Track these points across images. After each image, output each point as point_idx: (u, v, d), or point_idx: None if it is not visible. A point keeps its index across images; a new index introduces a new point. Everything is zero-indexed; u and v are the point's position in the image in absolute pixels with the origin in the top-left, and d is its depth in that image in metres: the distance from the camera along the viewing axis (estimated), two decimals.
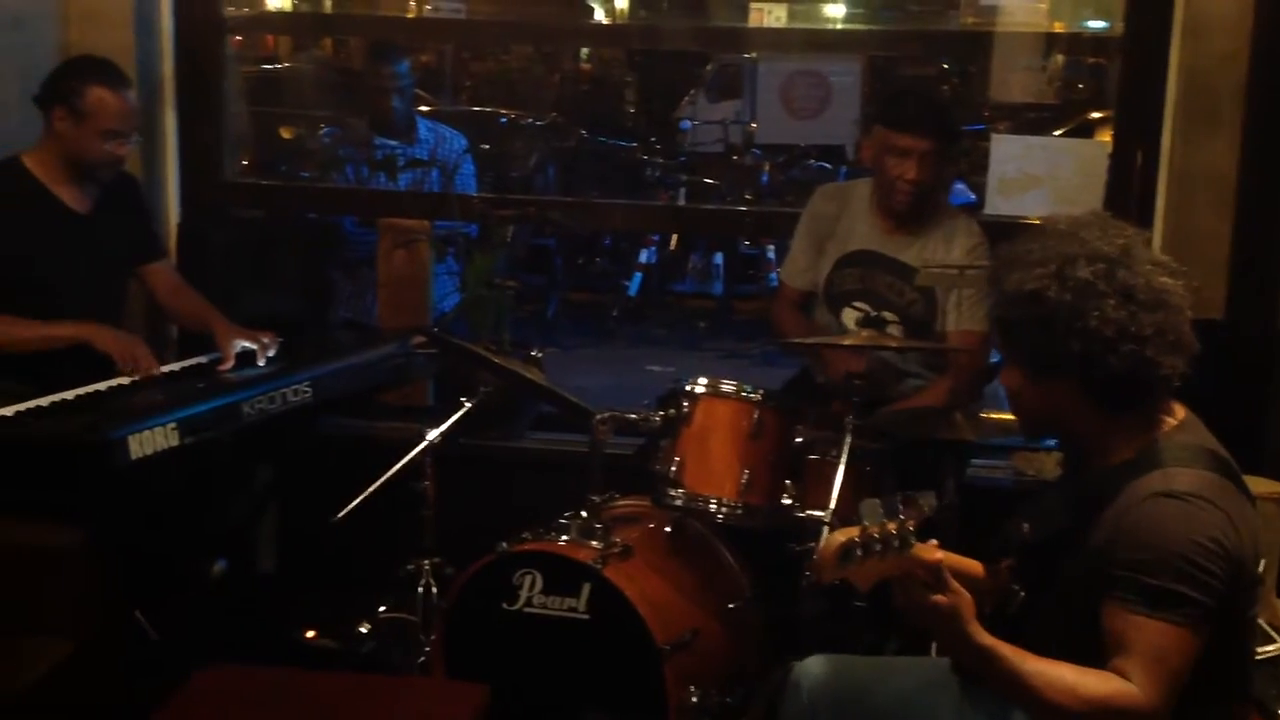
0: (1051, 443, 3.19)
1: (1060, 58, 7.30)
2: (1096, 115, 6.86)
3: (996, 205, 3.92)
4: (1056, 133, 6.85)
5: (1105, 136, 4.47)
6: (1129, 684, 1.85)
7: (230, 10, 4.31)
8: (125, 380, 3.17)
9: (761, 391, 3.06)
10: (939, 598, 1.86)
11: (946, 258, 3.40)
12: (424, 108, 7.02)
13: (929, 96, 3.63)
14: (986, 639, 1.89)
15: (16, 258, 3.20)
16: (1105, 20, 4.68)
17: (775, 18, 5.23)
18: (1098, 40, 5.47)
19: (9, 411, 2.88)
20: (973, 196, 5.89)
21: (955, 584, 1.88)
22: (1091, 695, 1.86)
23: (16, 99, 3.53)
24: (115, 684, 2.93)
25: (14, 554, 2.77)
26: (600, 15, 16.01)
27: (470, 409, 3.34)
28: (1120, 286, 1.94)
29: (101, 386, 3.10)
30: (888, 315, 3.33)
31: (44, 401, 2.96)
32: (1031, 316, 1.98)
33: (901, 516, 1.87)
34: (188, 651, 3.15)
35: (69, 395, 3.02)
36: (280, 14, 7.26)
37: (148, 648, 3.24)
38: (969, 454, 3.46)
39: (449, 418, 3.32)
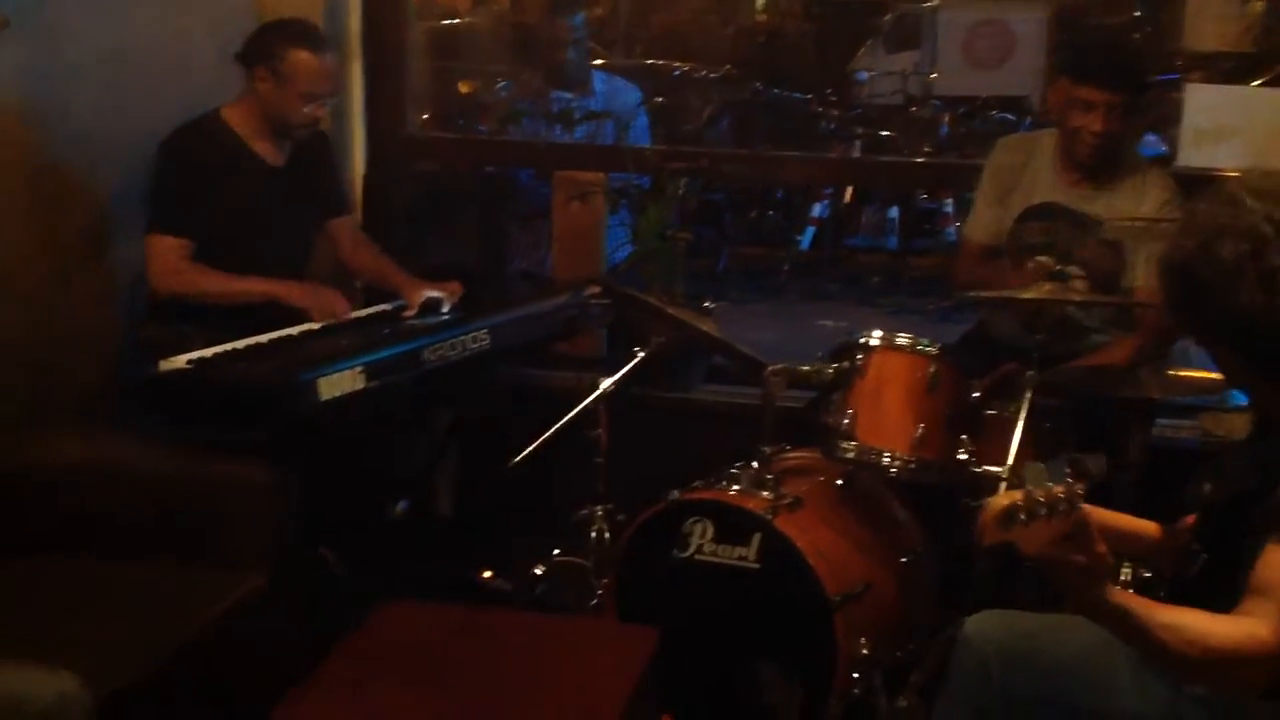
0: (1243, 400, 3.06)
1: (1259, 3, 6.93)
2: None
3: (1189, 157, 3.76)
4: (1254, 83, 6.53)
5: None
6: (1260, 626, 1.80)
7: None
8: (315, 326, 3.29)
9: (937, 345, 3.01)
10: (1075, 556, 1.81)
11: (1136, 210, 3.28)
12: (598, 61, 7.06)
13: (1117, 46, 3.49)
14: (1116, 598, 1.84)
15: (214, 209, 3.32)
16: None
17: None
18: None
19: (208, 353, 3.02)
20: (1164, 148, 5.66)
21: (1100, 545, 1.83)
22: (1221, 644, 1.81)
23: (211, 53, 3.66)
24: (302, 616, 3.06)
25: (211, 489, 2.91)
26: None
27: (643, 359, 3.38)
28: (1265, 270, 1.84)
29: (293, 331, 3.23)
30: (1073, 269, 3.24)
31: (239, 345, 3.09)
32: (1177, 287, 1.91)
33: (1069, 480, 1.83)
34: (370, 588, 3.29)
35: (263, 339, 3.15)
36: None
37: (333, 583, 3.38)
38: (1155, 412, 3.35)
39: (622, 367, 3.36)
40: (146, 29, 3.60)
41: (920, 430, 2.94)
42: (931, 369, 2.96)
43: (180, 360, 2.96)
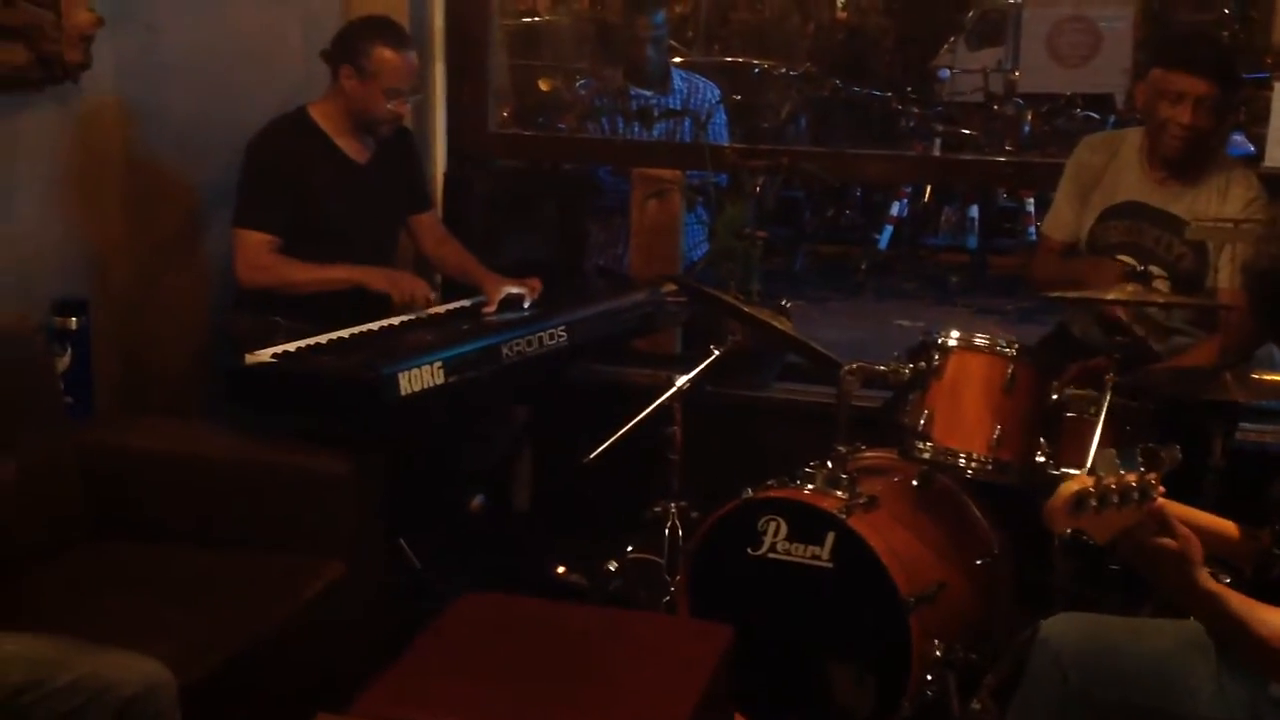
0: None
1: None
2: None
3: (1277, 158, 3.69)
4: None
5: None
6: None
7: None
8: (395, 320, 3.34)
9: (1016, 345, 2.99)
10: (1166, 540, 1.79)
11: (1220, 211, 3.23)
12: (677, 59, 7.07)
13: (1210, 37, 3.42)
14: (1212, 585, 1.82)
15: (301, 204, 3.38)
16: None
17: None
18: None
19: (291, 347, 3.08)
20: (1251, 148, 5.55)
21: (1184, 529, 1.81)
22: None
23: (301, 50, 3.73)
24: (381, 606, 3.12)
25: (293, 479, 2.97)
26: None
27: (719, 357, 3.39)
28: None
29: (374, 326, 3.28)
30: (1155, 269, 3.20)
31: (322, 339, 3.15)
32: (1262, 292, 1.89)
33: (1141, 468, 1.81)
34: (447, 580, 3.34)
35: (345, 333, 3.20)
36: None
37: (410, 574, 3.43)
38: (1238, 416, 3.29)
39: (697, 365, 3.37)
40: (239, 27, 3.69)
41: (998, 431, 2.92)
42: (1010, 370, 2.94)
43: (265, 354, 3.02)
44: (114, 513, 2.95)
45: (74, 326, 3.08)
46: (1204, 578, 1.82)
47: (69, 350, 3.07)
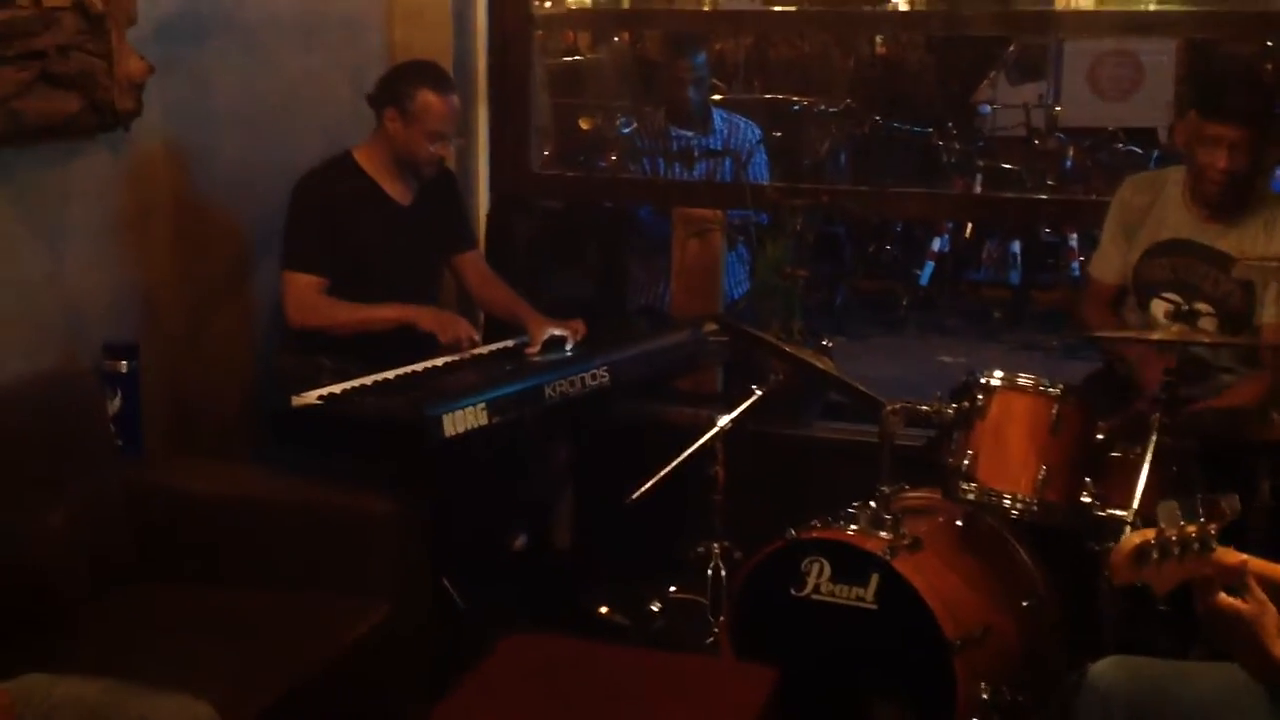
0: None
1: None
2: None
3: None
4: None
5: None
6: None
7: (537, 7, 4.49)
8: (439, 361, 3.37)
9: (1061, 385, 2.98)
10: (1239, 604, 1.77)
11: (1267, 247, 3.21)
12: (717, 96, 7.11)
13: (1247, 81, 3.41)
14: None
15: (346, 247, 3.43)
16: None
17: None
18: None
19: (337, 389, 3.11)
20: None
21: (1260, 593, 1.79)
22: None
23: (347, 94, 3.79)
24: (426, 646, 3.13)
25: (340, 520, 3.00)
26: None
27: (761, 396, 3.39)
28: None
29: (419, 367, 3.31)
30: (1201, 307, 3.18)
31: (368, 380, 3.18)
32: None
33: (1201, 519, 1.79)
34: (490, 619, 3.34)
35: (389, 375, 3.23)
36: (584, 11, 7.49)
37: (454, 614, 3.44)
38: None
39: (739, 404, 3.38)
40: (286, 73, 3.75)
41: (1043, 472, 2.91)
42: (1055, 410, 2.93)
43: (311, 396, 3.05)
44: (162, 554, 2.99)
45: (124, 369, 3.12)
46: (1275, 646, 1.79)
47: (119, 393, 3.11)
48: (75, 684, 2.22)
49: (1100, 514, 2.91)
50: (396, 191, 3.55)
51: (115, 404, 3.10)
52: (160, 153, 3.35)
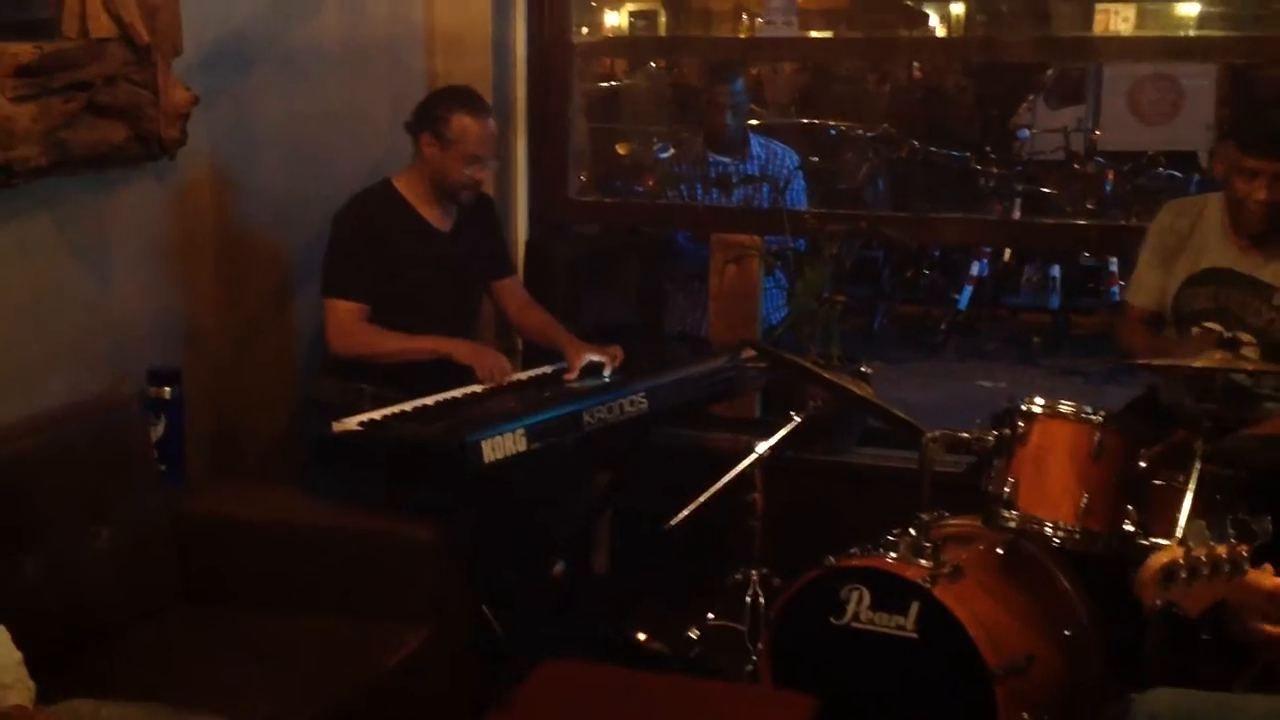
0: None
1: None
2: None
3: None
4: None
5: None
6: None
7: (575, 34, 4.52)
8: (478, 388, 3.38)
9: (1103, 413, 2.96)
10: (1276, 629, 1.76)
11: None
12: (754, 121, 7.12)
13: None
14: None
15: (387, 274, 3.45)
16: None
17: (1124, 19, 5.02)
18: None
19: (377, 415, 3.13)
20: None
21: None
22: None
23: (388, 122, 3.83)
24: (465, 672, 3.14)
25: (381, 545, 3.02)
26: (935, 21, 15.75)
27: (800, 423, 3.38)
28: None
29: (458, 393, 3.33)
30: (1243, 336, 3.15)
31: (407, 406, 3.20)
32: None
33: (1232, 540, 1.78)
34: (529, 645, 3.34)
35: (429, 401, 3.25)
36: (622, 37, 7.56)
37: (493, 640, 3.44)
38: None
39: (777, 430, 3.37)
40: (328, 101, 3.80)
41: (1085, 500, 2.89)
42: (1096, 437, 2.91)
43: (352, 422, 3.08)
44: (205, 578, 3.02)
45: (168, 395, 3.16)
46: None
47: (163, 418, 3.14)
48: (120, 708, 2.25)
49: (1143, 542, 2.88)
50: (436, 218, 3.57)
51: (159, 429, 3.13)
52: (204, 181, 3.39)
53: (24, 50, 2.72)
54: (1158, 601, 1.81)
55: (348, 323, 3.41)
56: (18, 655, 2.23)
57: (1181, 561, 1.76)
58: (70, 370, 3.00)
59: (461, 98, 3.52)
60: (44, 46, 2.78)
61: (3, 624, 2.25)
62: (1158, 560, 1.79)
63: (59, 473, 2.75)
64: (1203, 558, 1.76)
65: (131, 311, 3.19)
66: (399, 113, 3.66)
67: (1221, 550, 1.77)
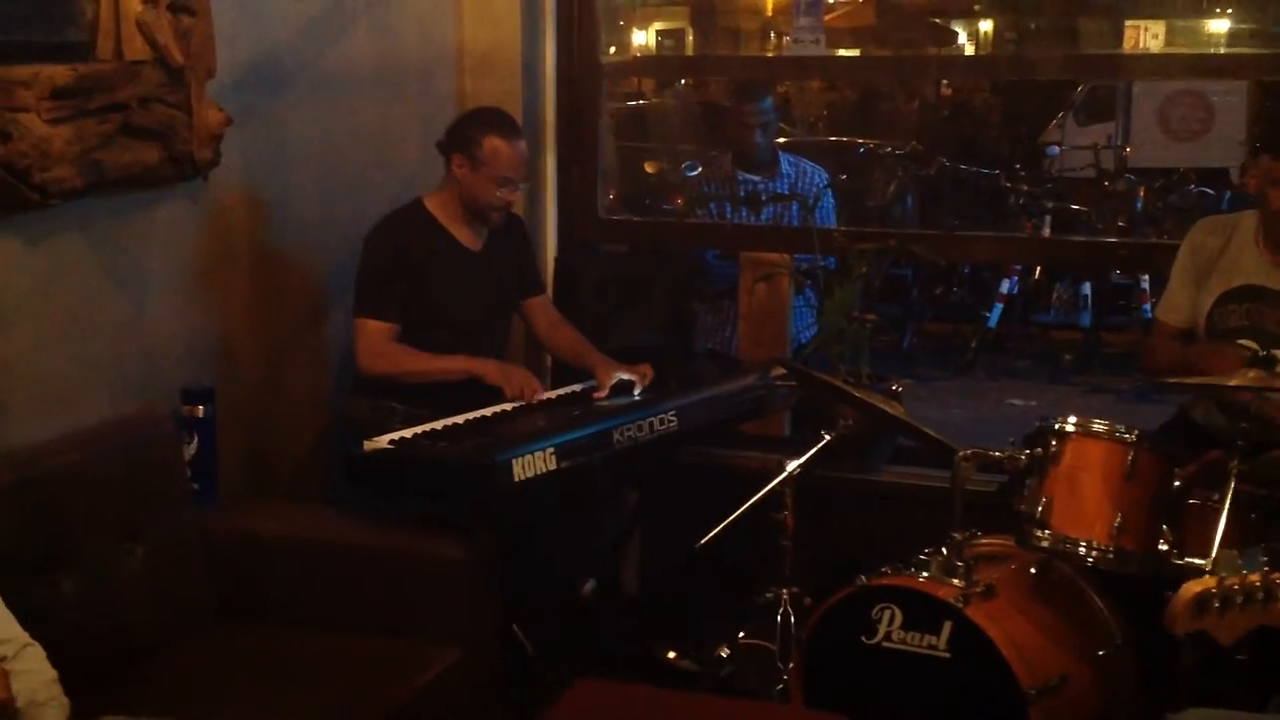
0: None
1: None
2: None
3: None
4: None
5: None
6: None
7: (604, 54, 4.54)
8: (508, 406, 3.39)
9: (1136, 431, 2.94)
10: None
11: None
12: (782, 139, 7.13)
13: None
14: None
15: (418, 293, 3.47)
16: None
17: (1153, 35, 5.00)
18: None
19: (408, 433, 3.15)
20: None
21: None
22: None
23: (418, 143, 3.85)
24: (496, 691, 3.14)
25: (411, 563, 3.02)
26: (963, 38, 15.74)
27: (829, 442, 3.38)
28: None
29: (488, 412, 3.33)
30: (1278, 353, 3.12)
31: (438, 425, 3.21)
32: None
33: (1265, 568, 1.77)
34: (559, 664, 3.34)
35: (459, 420, 3.26)
36: (652, 58, 7.60)
37: (523, 659, 3.45)
38: None
39: (807, 449, 3.36)
40: (360, 122, 3.82)
41: (1119, 519, 2.86)
42: (1130, 456, 2.89)
43: (383, 440, 3.09)
44: (236, 597, 3.03)
45: (201, 414, 3.17)
46: None
47: (195, 437, 3.16)
48: None
49: (1177, 562, 2.86)
50: (466, 238, 3.59)
51: (192, 448, 3.15)
52: (237, 202, 3.41)
53: (59, 72, 2.75)
54: (1191, 631, 1.80)
55: (378, 342, 3.42)
56: (53, 673, 2.25)
57: (1214, 591, 1.75)
58: (105, 388, 3.03)
59: (493, 119, 3.54)
60: (79, 69, 2.81)
61: (38, 641, 2.27)
62: (1190, 590, 1.78)
63: (94, 490, 2.77)
64: (1235, 586, 1.74)
65: (165, 330, 3.21)
66: (430, 133, 3.68)
67: (1255, 579, 1.76)
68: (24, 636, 2.25)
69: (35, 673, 2.22)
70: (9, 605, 2.27)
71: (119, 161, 2.93)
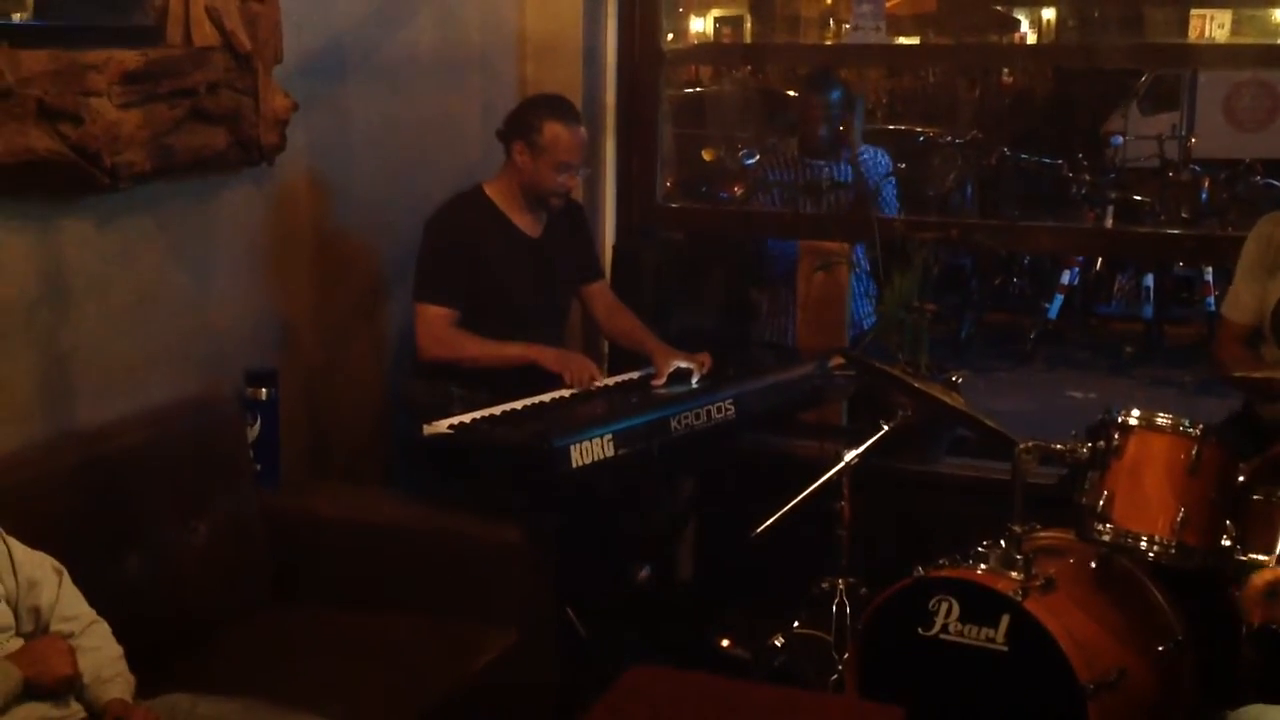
0: None
1: None
2: None
3: None
4: None
5: None
6: None
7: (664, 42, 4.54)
8: (566, 393, 3.40)
9: (1201, 425, 2.90)
10: None
11: None
12: (840, 126, 7.07)
13: None
14: None
15: (478, 279, 3.48)
16: None
17: (1219, 25, 4.91)
18: None
19: (467, 419, 3.17)
20: None
21: None
22: None
23: (480, 129, 3.87)
24: (552, 675, 3.16)
25: (469, 546, 3.05)
26: (1026, 26, 15.56)
27: (888, 432, 3.36)
28: None
29: (546, 398, 3.35)
30: None
31: (496, 410, 3.23)
32: None
33: None
34: (612, 649, 3.36)
35: (518, 405, 3.28)
36: (711, 45, 7.58)
37: (577, 643, 3.47)
38: None
39: (864, 438, 3.35)
40: (423, 108, 3.85)
41: (1181, 514, 2.83)
42: (1194, 450, 2.85)
43: (442, 425, 3.11)
44: (297, 577, 3.07)
45: (264, 396, 3.21)
46: None
47: (258, 419, 3.20)
48: (216, 703, 2.30)
49: (1241, 558, 2.82)
50: (526, 224, 3.60)
51: (254, 430, 3.19)
52: (302, 186, 3.45)
53: (130, 58, 2.79)
54: (1266, 620, 1.77)
55: (438, 328, 3.45)
56: (118, 649, 2.30)
57: None
58: (170, 370, 3.07)
59: (554, 106, 3.55)
60: (149, 54, 2.85)
61: (104, 619, 2.31)
62: (1260, 579, 1.76)
63: (161, 470, 2.81)
64: None
65: (230, 313, 3.25)
66: (491, 119, 3.69)
67: None
68: (91, 614, 2.30)
69: (102, 649, 2.27)
70: (76, 583, 2.31)
71: (187, 146, 2.97)
